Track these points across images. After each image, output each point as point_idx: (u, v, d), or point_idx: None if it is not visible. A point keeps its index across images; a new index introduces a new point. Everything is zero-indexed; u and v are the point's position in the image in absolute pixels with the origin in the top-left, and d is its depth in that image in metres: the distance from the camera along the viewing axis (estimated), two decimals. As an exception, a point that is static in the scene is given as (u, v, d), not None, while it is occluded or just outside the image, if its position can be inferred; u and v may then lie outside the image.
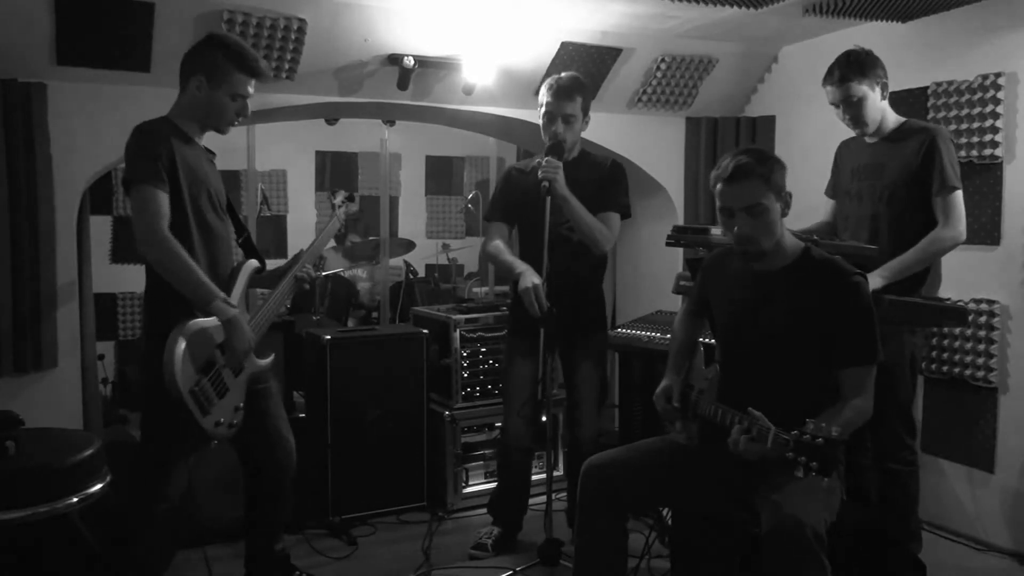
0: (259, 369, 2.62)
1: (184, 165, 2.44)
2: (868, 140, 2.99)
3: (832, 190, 3.21)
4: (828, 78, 2.90)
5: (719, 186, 2.25)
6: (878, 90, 2.87)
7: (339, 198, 3.05)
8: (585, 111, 3.15)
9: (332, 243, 6.08)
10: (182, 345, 2.32)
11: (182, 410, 2.34)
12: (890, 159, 2.91)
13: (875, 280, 2.70)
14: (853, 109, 2.88)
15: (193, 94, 2.49)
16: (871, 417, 2.23)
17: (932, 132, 2.85)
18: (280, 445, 2.72)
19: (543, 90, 3.13)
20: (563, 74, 3.17)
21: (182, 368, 2.32)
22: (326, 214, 7.55)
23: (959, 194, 2.82)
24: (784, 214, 2.28)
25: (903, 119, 2.98)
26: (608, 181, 3.18)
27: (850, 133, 3.11)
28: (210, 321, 2.41)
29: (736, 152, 2.27)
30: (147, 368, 2.41)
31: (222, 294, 2.43)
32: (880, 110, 2.90)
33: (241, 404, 2.53)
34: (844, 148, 3.15)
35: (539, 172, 2.95)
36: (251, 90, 2.54)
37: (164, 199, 2.37)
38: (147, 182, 2.34)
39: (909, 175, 2.86)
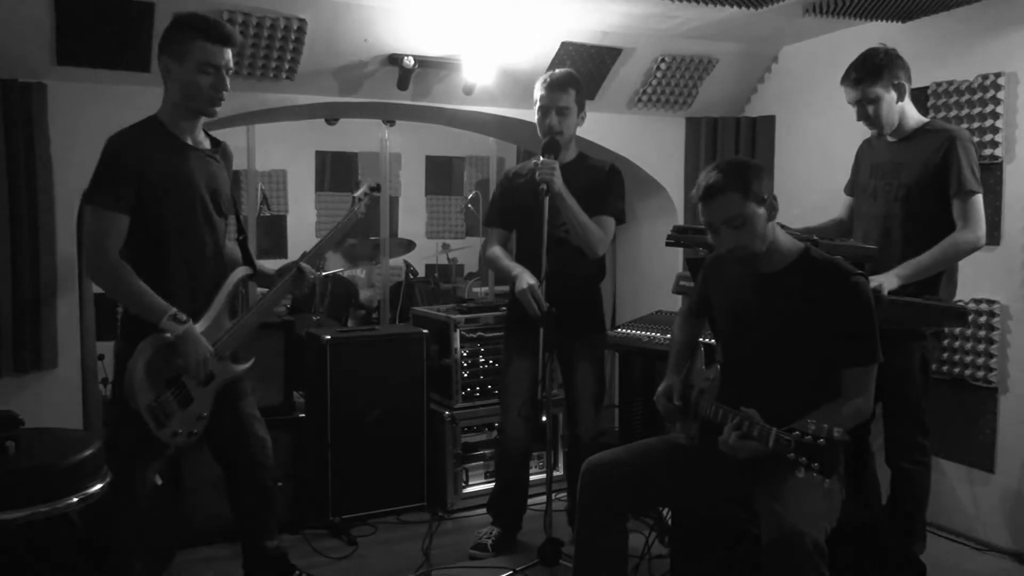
0: (232, 376, 2.59)
1: (161, 176, 2.40)
2: (889, 139, 2.97)
3: (850, 187, 3.20)
4: (845, 78, 2.89)
5: (699, 204, 2.28)
6: (893, 92, 2.85)
7: (361, 190, 2.92)
8: (580, 105, 3.16)
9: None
10: (144, 360, 2.35)
11: (140, 421, 2.37)
12: (908, 159, 2.90)
13: (891, 280, 2.70)
14: (867, 110, 2.87)
15: (167, 81, 2.42)
16: (884, 418, 2.23)
17: (952, 134, 2.83)
18: (254, 443, 2.69)
19: (537, 86, 3.16)
20: (556, 70, 3.20)
21: (141, 383, 2.34)
22: (326, 214, 7.63)
23: (979, 198, 2.81)
24: (771, 217, 2.28)
25: (925, 119, 2.97)
26: (605, 185, 3.19)
27: (851, 132, 3.12)
28: None
29: (709, 168, 2.29)
30: (117, 375, 2.44)
31: (172, 309, 2.38)
32: (897, 112, 2.88)
33: (206, 413, 2.52)
34: (866, 145, 3.13)
35: (536, 174, 2.95)
36: (224, 60, 2.41)
37: (117, 220, 2.34)
38: (99, 204, 2.34)
39: (926, 176, 2.84)
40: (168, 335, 2.38)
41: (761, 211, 2.24)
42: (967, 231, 2.79)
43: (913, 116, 2.93)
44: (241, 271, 2.67)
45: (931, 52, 3.52)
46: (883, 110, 2.86)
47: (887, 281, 2.68)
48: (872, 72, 2.82)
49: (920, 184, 2.86)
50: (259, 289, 2.89)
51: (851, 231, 3.14)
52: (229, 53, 2.44)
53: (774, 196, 2.29)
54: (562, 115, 3.10)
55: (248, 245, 2.78)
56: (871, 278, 2.57)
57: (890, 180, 2.94)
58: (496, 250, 3.28)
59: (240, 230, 2.75)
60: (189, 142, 2.51)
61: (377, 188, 3.03)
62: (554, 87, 3.10)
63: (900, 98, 2.86)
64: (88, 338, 3.54)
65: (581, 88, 3.18)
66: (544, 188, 2.91)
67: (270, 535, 2.80)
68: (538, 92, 3.14)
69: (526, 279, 3.01)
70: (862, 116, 2.90)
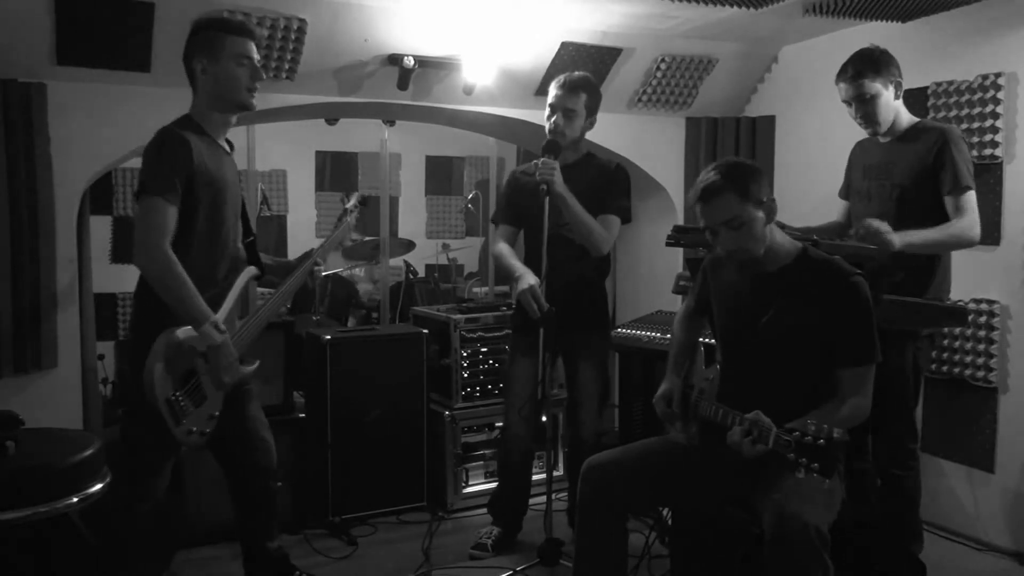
0: (242, 378, 2.59)
1: (206, 174, 2.40)
2: (881, 140, 2.98)
3: (845, 191, 3.21)
4: (842, 74, 2.88)
5: (697, 207, 2.27)
6: (891, 89, 2.85)
7: (352, 201, 3.04)
8: (590, 110, 3.17)
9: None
10: (163, 355, 2.32)
11: (157, 417, 2.33)
12: (902, 158, 2.90)
13: (896, 239, 2.66)
14: (865, 106, 2.86)
15: (202, 80, 2.44)
16: (873, 421, 2.22)
17: (945, 132, 2.84)
18: (259, 447, 2.70)
19: (552, 84, 3.18)
20: (575, 72, 3.21)
21: (160, 377, 2.31)
22: (326, 214, 7.63)
23: (972, 194, 2.81)
24: (770, 220, 2.27)
25: (916, 119, 2.97)
26: (610, 184, 3.19)
27: (852, 133, 3.11)
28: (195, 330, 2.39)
29: (708, 169, 2.28)
30: (132, 369, 2.41)
31: (213, 316, 2.37)
32: (893, 110, 2.89)
33: (217, 412, 2.50)
34: (858, 148, 3.14)
35: (536, 174, 2.96)
36: (254, 53, 2.48)
37: (171, 213, 2.32)
38: (157, 194, 2.30)
39: (920, 174, 2.84)
40: (185, 338, 2.36)
41: (759, 214, 2.23)
42: (966, 225, 2.79)
43: (905, 116, 2.94)
44: (250, 271, 2.67)
45: (931, 52, 3.52)
46: (880, 106, 2.85)
47: (898, 239, 2.66)
48: (872, 67, 2.82)
49: (915, 183, 2.86)
50: (258, 289, 2.90)
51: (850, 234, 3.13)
52: (254, 46, 2.49)
53: (773, 199, 2.29)
54: (567, 117, 3.12)
55: (256, 247, 2.77)
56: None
57: (883, 181, 2.95)
58: (502, 248, 3.29)
59: (249, 231, 2.76)
60: (221, 143, 2.53)
61: (365, 202, 3.15)
62: (565, 88, 3.12)
63: (897, 96, 2.88)
64: (88, 338, 3.55)
65: (594, 93, 3.19)
66: (544, 188, 2.92)
67: (271, 536, 2.81)
68: (552, 91, 3.16)
69: (527, 280, 3.02)
70: (858, 113, 2.90)
